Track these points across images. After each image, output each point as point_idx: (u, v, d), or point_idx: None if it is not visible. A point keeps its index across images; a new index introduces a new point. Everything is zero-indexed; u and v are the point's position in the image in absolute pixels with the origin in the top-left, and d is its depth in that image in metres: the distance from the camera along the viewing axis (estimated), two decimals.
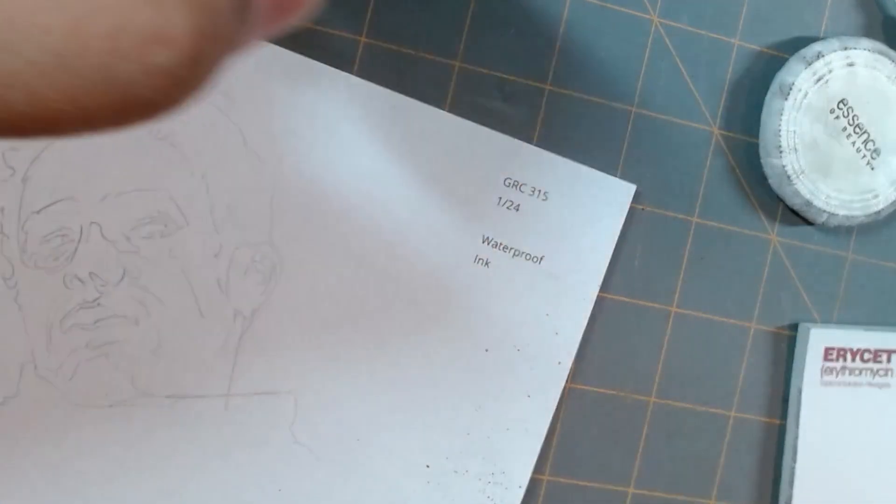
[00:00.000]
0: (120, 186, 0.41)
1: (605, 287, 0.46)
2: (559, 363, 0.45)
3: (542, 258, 0.45)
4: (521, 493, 0.45)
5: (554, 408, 0.45)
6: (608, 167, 0.46)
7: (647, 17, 0.46)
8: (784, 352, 0.48)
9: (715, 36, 0.47)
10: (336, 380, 0.43)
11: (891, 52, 0.47)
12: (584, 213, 0.45)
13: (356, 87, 0.43)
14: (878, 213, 0.47)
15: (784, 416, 0.48)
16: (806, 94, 0.45)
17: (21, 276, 0.40)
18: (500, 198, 0.44)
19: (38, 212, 0.40)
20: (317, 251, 0.43)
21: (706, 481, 0.48)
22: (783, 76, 0.46)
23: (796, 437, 0.48)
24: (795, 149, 0.45)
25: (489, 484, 0.45)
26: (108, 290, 0.41)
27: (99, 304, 0.41)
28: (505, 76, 0.44)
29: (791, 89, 0.45)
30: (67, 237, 0.40)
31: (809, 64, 0.45)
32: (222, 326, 0.42)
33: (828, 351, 0.48)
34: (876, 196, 0.47)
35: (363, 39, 0.43)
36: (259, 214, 0.42)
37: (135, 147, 0.41)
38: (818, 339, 0.47)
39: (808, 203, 0.46)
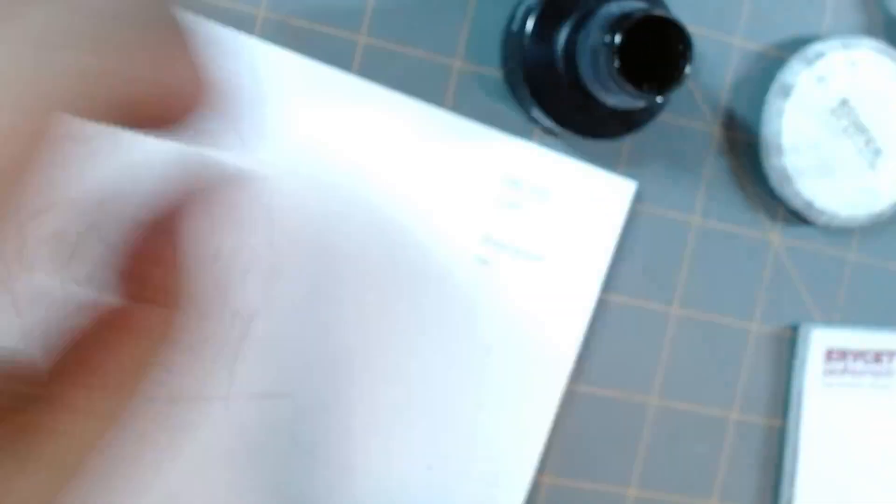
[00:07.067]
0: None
1: (605, 287, 0.46)
2: (560, 363, 0.45)
3: (542, 257, 0.45)
4: (522, 495, 0.45)
5: (555, 408, 0.45)
6: (608, 167, 0.45)
7: None
8: (785, 353, 0.48)
9: (716, 36, 0.47)
10: (336, 381, 0.43)
11: (892, 51, 0.46)
12: (585, 210, 0.45)
13: (355, 86, 0.42)
14: (879, 213, 0.47)
15: (785, 417, 0.48)
16: (807, 95, 0.45)
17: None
18: (500, 197, 0.44)
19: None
20: (316, 252, 0.43)
21: (707, 482, 0.48)
22: (784, 76, 0.46)
23: (797, 439, 0.48)
24: (796, 149, 0.45)
25: (490, 485, 0.44)
26: None
27: None
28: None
29: (792, 89, 0.45)
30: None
31: (810, 64, 0.45)
32: (221, 329, 0.42)
33: (829, 352, 0.48)
34: (877, 196, 0.47)
35: (363, 39, 0.43)
36: (257, 215, 0.42)
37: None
38: (819, 340, 0.47)
39: (810, 204, 0.46)
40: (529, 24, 0.41)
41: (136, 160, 0.41)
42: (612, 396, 0.46)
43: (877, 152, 0.46)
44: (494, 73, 0.44)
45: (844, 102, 0.46)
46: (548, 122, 0.43)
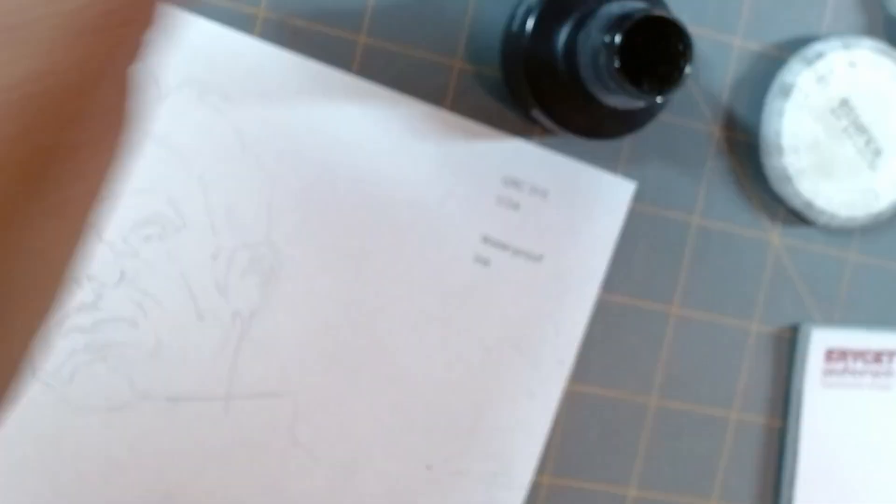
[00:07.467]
0: (117, 189, 0.40)
1: (605, 287, 0.46)
2: (560, 363, 0.45)
3: (541, 257, 0.45)
4: (522, 494, 0.45)
5: (555, 408, 0.45)
6: (608, 167, 0.45)
7: None
8: (785, 353, 0.48)
9: (715, 36, 0.47)
10: (336, 381, 0.43)
11: (892, 51, 0.46)
12: (584, 211, 0.45)
13: (354, 86, 0.42)
14: (879, 213, 0.47)
15: (785, 417, 0.48)
16: (807, 95, 0.45)
17: None
18: (500, 197, 0.44)
19: None
20: (316, 252, 0.43)
21: (707, 482, 0.48)
22: (784, 76, 0.46)
23: (797, 439, 0.48)
24: (796, 149, 0.45)
25: (491, 485, 0.44)
26: (105, 292, 0.40)
27: (97, 307, 0.40)
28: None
29: (792, 89, 0.45)
30: None
31: (810, 64, 0.45)
32: (221, 328, 0.42)
33: (829, 352, 0.48)
34: (877, 196, 0.47)
35: (363, 39, 0.43)
36: (257, 215, 0.42)
37: (131, 149, 0.41)
38: (819, 340, 0.47)
39: (809, 204, 0.46)
40: (529, 24, 0.41)
41: None
42: (612, 396, 0.46)
43: (877, 152, 0.46)
44: (494, 73, 0.44)
45: (844, 102, 0.46)
46: (548, 122, 0.43)
